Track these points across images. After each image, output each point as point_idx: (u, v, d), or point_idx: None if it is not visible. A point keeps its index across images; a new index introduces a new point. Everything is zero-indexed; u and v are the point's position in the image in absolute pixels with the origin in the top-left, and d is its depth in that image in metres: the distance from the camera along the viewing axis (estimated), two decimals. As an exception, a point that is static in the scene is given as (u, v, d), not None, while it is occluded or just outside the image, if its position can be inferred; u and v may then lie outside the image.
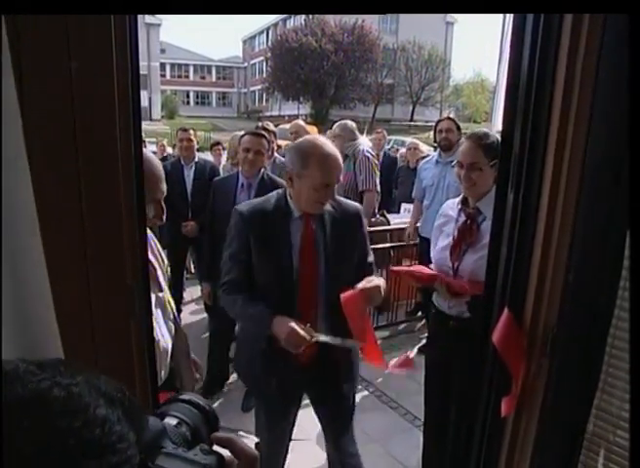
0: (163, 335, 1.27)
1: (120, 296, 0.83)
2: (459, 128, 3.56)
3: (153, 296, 1.18)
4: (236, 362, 1.92)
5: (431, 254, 2.08)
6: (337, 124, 4.13)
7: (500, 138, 1.74)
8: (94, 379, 0.41)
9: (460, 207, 1.94)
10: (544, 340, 1.07)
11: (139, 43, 0.80)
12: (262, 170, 2.85)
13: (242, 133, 3.18)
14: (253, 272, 1.67)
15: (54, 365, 0.40)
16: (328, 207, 1.71)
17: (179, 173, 3.78)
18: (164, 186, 1.34)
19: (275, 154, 3.59)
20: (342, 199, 1.81)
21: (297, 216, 1.68)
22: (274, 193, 1.76)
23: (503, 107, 1.11)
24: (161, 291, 1.30)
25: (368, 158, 3.93)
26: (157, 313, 1.24)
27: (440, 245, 1.99)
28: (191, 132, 3.97)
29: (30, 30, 0.68)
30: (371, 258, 1.80)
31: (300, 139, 1.75)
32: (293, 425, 1.87)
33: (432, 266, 2.02)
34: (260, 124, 3.67)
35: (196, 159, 3.88)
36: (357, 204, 1.83)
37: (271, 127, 3.94)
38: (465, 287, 1.81)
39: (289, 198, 1.70)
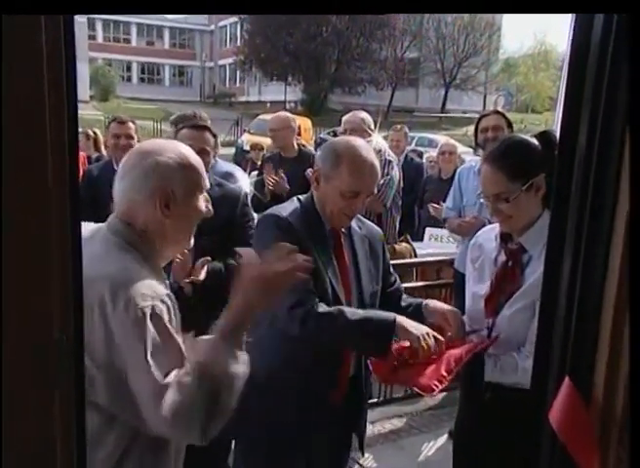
0: None
1: (42, 355, 0.87)
2: (510, 125, 3.65)
3: None
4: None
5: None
6: (346, 117, 4.23)
7: (553, 138, 1.81)
8: None
9: (498, 240, 2.00)
10: (622, 423, 1.10)
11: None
12: (209, 173, 2.94)
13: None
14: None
15: None
16: (353, 224, 2.14)
17: (111, 181, 3.79)
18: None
19: (215, 160, 3.40)
20: (365, 219, 2.30)
21: (327, 230, 2.07)
22: (294, 200, 2.11)
23: (564, 94, 1.13)
24: None
25: (389, 162, 4.03)
26: None
27: (473, 290, 2.04)
28: (131, 125, 3.97)
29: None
30: (396, 278, 2.34)
31: (340, 138, 2.17)
32: None
33: (466, 319, 2.07)
34: (194, 113, 3.55)
35: None
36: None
37: (204, 118, 3.57)
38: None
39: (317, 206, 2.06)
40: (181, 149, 1.53)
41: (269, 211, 2.11)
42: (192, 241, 1.59)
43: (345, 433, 2.30)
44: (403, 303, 2.25)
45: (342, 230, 2.13)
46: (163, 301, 1.35)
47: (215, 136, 3.05)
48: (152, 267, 1.46)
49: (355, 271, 2.12)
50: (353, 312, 1.93)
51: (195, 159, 1.55)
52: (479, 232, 2.18)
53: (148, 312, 1.29)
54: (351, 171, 1.96)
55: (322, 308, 1.91)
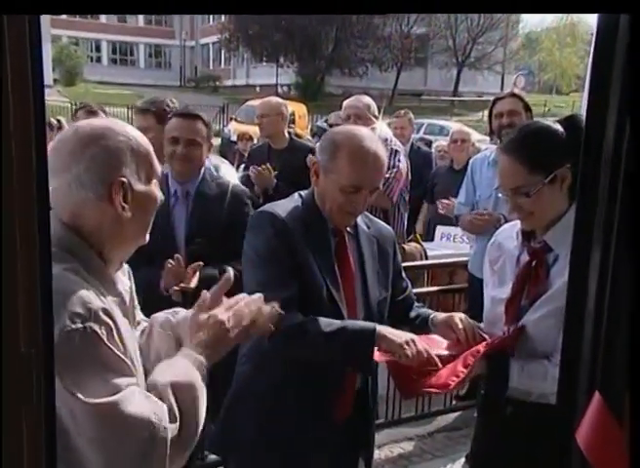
0: None
1: (9, 371, 0.88)
2: (528, 109, 3.67)
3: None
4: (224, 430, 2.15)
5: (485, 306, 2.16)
6: (348, 101, 4.23)
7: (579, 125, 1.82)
8: None
9: (520, 238, 2.01)
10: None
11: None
12: (203, 169, 2.99)
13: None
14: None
15: None
16: (360, 222, 2.18)
17: None
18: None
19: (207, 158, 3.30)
20: (373, 217, 2.35)
21: (330, 229, 2.09)
22: (295, 196, 2.15)
23: (590, 74, 1.14)
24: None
25: (396, 153, 4.05)
26: None
27: (492, 294, 2.06)
28: (101, 114, 3.99)
29: None
30: (407, 284, 2.38)
31: (341, 126, 2.19)
32: None
33: (482, 326, 2.09)
34: (165, 100, 3.41)
35: None
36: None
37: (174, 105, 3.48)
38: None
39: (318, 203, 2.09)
40: (127, 129, 1.46)
41: (265, 207, 2.13)
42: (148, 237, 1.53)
43: (350, 455, 2.29)
44: (412, 313, 2.29)
45: (348, 230, 2.15)
46: (97, 320, 1.26)
47: (208, 125, 3.02)
48: (96, 275, 1.39)
49: (361, 276, 2.14)
50: (329, 323, 1.95)
51: (144, 138, 1.48)
52: (498, 230, 2.20)
53: (77, 336, 1.22)
54: (351, 162, 1.97)
55: (291, 319, 1.91)
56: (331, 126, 5.92)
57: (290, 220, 2.02)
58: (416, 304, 2.36)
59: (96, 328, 1.26)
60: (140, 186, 1.43)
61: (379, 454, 3.81)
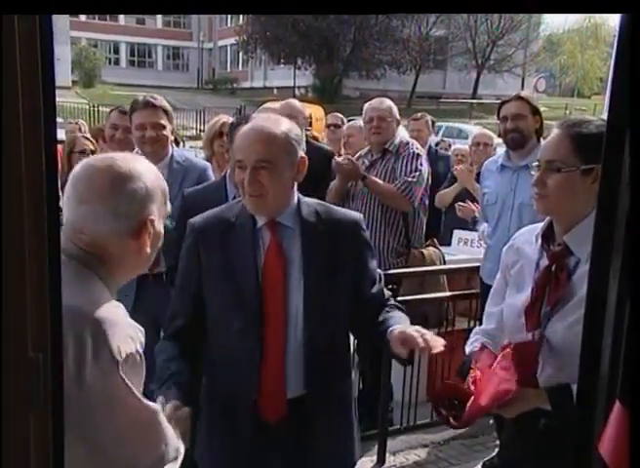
0: None
1: (16, 375, 0.88)
2: (536, 112, 3.61)
3: None
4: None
5: (483, 319, 2.15)
6: (371, 104, 4.21)
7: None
8: None
9: (539, 243, 1.97)
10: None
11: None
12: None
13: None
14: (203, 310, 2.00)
15: None
16: (307, 215, 2.01)
17: None
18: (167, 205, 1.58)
19: (172, 148, 3.52)
20: (336, 207, 2.18)
21: (260, 226, 1.98)
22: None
23: (612, 76, 1.14)
24: None
25: (418, 156, 4.02)
26: None
27: (509, 301, 2.03)
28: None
29: None
30: (380, 288, 2.12)
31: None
32: None
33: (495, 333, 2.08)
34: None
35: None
36: (357, 214, 2.16)
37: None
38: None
39: None
40: (152, 168, 1.54)
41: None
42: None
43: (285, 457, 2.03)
44: (379, 318, 2.03)
45: (288, 225, 2.00)
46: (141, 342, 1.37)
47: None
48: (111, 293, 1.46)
49: (298, 275, 1.96)
50: (163, 350, 1.98)
51: (162, 179, 1.57)
52: (516, 234, 2.17)
53: (133, 359, 1.31)
54: (239, 137, 1.95)
55: (166, 338, 2.03)
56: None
57: (211, 224, 2.02)
58: (388, 309, 2.07)
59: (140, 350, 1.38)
60: (159, 225, 1.51)
61: (393, 461, 3.79)
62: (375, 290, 2.10)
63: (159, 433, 1.36)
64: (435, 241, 4.52)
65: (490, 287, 2.31)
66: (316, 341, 1.94)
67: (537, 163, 1.94)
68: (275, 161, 1.89)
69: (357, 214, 2.14)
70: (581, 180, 1.83)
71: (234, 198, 2.96)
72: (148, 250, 1.47)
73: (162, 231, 1.54)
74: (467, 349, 2.14)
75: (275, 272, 1.95)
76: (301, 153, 1.98)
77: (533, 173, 1.98)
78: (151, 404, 1.36)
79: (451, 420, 1.86)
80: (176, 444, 1.40)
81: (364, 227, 2.13)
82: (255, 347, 1.92)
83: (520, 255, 2.05)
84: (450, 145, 8.22)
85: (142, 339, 1.36)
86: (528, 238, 2.06)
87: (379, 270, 2.19)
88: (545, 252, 1.94)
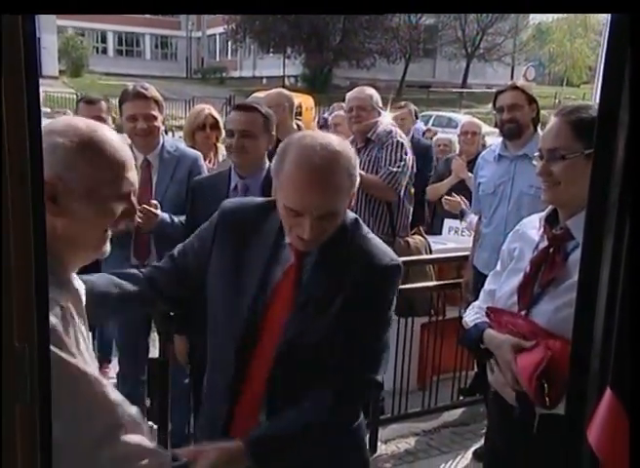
0: None
1: (2, 367, 0.87)
2: (533, 101, 3.59)
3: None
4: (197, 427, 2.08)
5: (480, 296, 2.15)
6: (351, 93, 4.20)
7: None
8: None
9: (542, 225, 1.99)
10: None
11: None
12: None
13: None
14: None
15: None
16: (344, 250, 1.72)
17: None
18: (133, 175, 1.39)
19: (163, 138, 3.48)
20: (376, 242, 1.79)
21: (287, 241, 1.74)
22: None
23: (604, 65, 1.12)
24: None
25: (402, 146, 4.02)
26: None
27: (505, 280, 2.04)
28: (102, 105, 3.93)
29: None
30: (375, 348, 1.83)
31: (300, 133, 1.78)
32: None
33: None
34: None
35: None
36: (394, 257, 1.78)
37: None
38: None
39: None
40: (99, 128, 1.34)
41: (231, 200, 2.04)
42: (107, 249, 1.41)
43: None
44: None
45: (316, 253, 1.74)
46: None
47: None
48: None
49: (301, 303, 1.72)
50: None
51: (119, 145, 1.36)
52: (524, 220, 2.18)
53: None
54: (293, 182, 1.59)
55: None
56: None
57: (233, 209, 1.87)
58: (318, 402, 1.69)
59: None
60: (82, 190, 1.34)
61: (385, 450, 3.80)
62: (353, 365, 1.76)
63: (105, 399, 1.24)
64: (421, 229, 4.54)
65: (485, 276, 2.33)
66: (283, 381, 1.70)
67: (538, 153, 1.95)
68: (338, 211, 1.66)
69: (393, 258, 1.77)
70: (586, 166, 1.83)
71: (235, 187, 2.97)
72: (60, 220, 1.27)
73: (103, 210, 1.34)
74: (468, 320, 2.12)
75: (286, 293, 1.74)
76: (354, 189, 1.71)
77: (535, 163, 1.99)
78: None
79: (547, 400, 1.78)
80: (129, 409, 1.29)
81: (394, 277, 1.77)
82: (241, 369, 1.76)
83: (523, 239, 2.07)
84: (435, 133, 8.25)
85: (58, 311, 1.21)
86: (533, 224, 2.08)
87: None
88: (546, 234, 1.96)
